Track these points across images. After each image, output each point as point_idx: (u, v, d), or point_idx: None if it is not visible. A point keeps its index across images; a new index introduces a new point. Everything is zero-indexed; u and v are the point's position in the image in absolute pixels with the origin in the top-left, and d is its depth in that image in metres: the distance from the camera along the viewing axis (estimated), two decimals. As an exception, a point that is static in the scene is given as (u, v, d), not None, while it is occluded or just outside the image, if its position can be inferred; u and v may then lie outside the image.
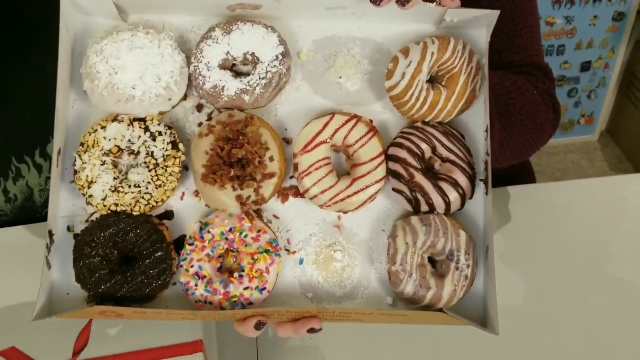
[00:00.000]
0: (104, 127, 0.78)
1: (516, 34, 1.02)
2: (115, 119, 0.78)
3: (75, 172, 0.78)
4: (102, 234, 0.75)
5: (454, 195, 0.79)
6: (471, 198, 0.81)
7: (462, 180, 0.79)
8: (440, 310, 0.78)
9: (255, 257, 0.77)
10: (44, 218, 1.03)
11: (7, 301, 0.96)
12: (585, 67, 2.49)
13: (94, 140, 0.78)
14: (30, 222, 1.07)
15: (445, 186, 0.79)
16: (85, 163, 0.77)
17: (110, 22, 0.83)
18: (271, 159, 0.77)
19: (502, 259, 1.06)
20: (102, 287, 0.74)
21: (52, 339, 0.89)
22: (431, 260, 0.80)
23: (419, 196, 0.79)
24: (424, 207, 0.79)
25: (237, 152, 0.76)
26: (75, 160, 0.78)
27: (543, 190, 1.18)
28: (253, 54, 0.79)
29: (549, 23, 2.33)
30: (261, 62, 0.79)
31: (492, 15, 0.77)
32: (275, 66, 0.78)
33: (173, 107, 0.82)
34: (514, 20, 1.01)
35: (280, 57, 0.79)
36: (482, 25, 0.80)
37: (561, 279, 1.05)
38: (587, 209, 1.12)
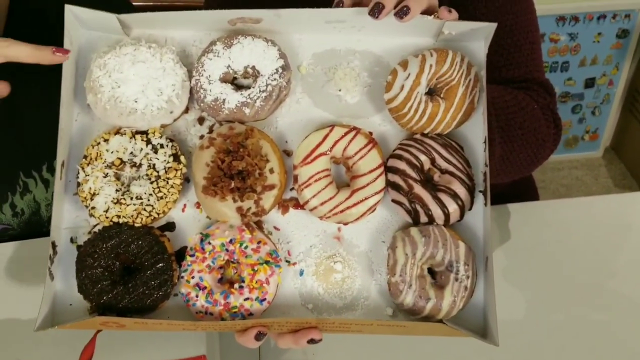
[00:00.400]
0: (106, 140, 0.79)
1: (516, 49, 1.03)
2: (117, 132, 0.80)
3: (78, 184, 0.79)
4: (104, 245, 0.76)
5: (452, 207, 0.79)
6: (470, 209, 0.81)
7: (461, 191, 0.80)
8: (440, 321, 0.78)
9: (255, 268, 0.77)
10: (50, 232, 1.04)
11: (12, 314, 0.97)
12: (590, 83, 2.50)
13: (97, 153, 0.79)
14: (36, 236, 1.08)
15: (444, 197, 0.79)
16: (88, 175, 0.78)
17: (113, 36, 0.84)
18: (271, 171, 0.77)
19: (505, 276, 1.05)
20: (104, 298, 0.75)
21: (57, 353, 0.90)
22: (430, 271, 0.80)
23: (418, 207, 0.79)
24: (423, 218, 0.80)
25: (237, 164, 0.76)
26: (78, 173, 0.79)
27: (546, 208, 1.18)
28: (253, 67, 0.81)
29: (552, 39, 2.34)
30: (261, 75, 0.80)
31: (489, 28, 0.77)
32: (275, 79, 0.79)
33: (174, 120, 0.83)
34: (513, 37, 1.02)
35: (280, 70, 0.80)
36: (480, 38, 0.81)
37: (564, 296, 1.05)
38: (590, 226, 1.11)
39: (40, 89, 1.02)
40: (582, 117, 2.60)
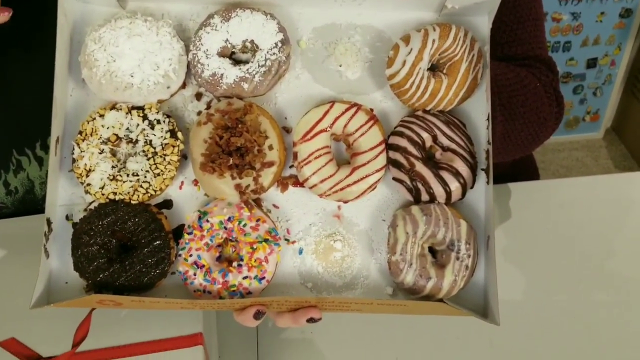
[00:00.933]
0: (102, 115, 0.78)
1: (519, 26, 1.01)
2: (113, 107, 0.78)
3: (74, 161, 0.77)
4: (100, 223, 0.75)
5: (454, 185, 0.78)
6: (472, 187, 0.80)
7: (463, 169, 0.78)
8: (441, 300, 0.77)
9: (254, 246, 0.76)
10: (44, 211, 1.03)
11: (7, 292, 0.96)
12: (591, 63, 2.48)
13: (92, 129, 0.77)
14: (30, 214, 1.06)
15: (446, 175, 0.78)
16: (84, 151, 0.77)
17: (108, 9, 0.82)
18: (270, 147, 0.76)
19: (505, 256, 1.05)
20: (100, 276, 0.74)
21: (52, 330, 0.89)
22: (431, 250, 0.79)
23: (420, 185, 0.78)
24: (425, 197, 0.79)
25: (235, 140, 0.75)
26: (74, 149, 0.77)
27: (546, 187, 1.18)
28: (252, 41, 0.79)
29: (555, 19, 2.31)
30: (260, 49, 0.78)
31: (493, 2, 0.76)
32: (274, 53, 0.78)
33: (171, 95, 0.81)
34: (516, 13, 1.00)
35: (280, 45, 0.78)
36: (483, 12, 0.79)
37: (564, 275, 1.05)
38: (591, 206, 1.11)
39: (34, 65, 1.00)
40: (584, 98, 2.58)
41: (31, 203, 1.08)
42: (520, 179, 1.17)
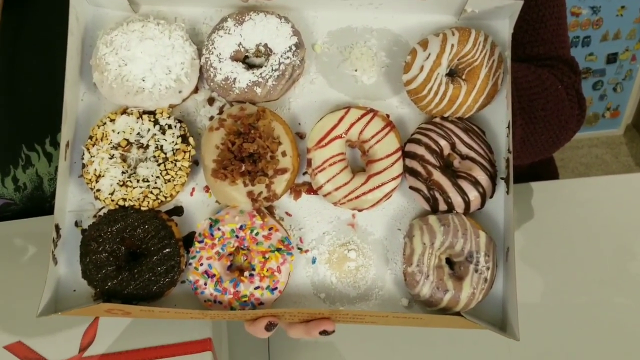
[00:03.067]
0: (112, 120, 0.76)
1: (541, 25, 0.98)
2: (124, 112, 0.77)
3: (83, 166, 0.76)
4: (109, 229, 0.73)
5: (473, 194, 0.76)
6: (491, 197, 0.77)
7: (483, 178, 0.76)
8: (458, 313, 0.74)
9: (267, 256, 0.74)
10: (53, 208, 1.02)
11: (14, 295, 0.95)
12: (612, 58, 2.42)
13: (103, 133, 0.76)
14: (39, 211, 1.06)
15: (465, 184, 0.76)
16: (94, 156, 0.75)
17: (121, 13, 0.81)
18: (283, 154, 0.74)
19: (523, 257, 1.03)
20: (109, 284, 0.72)
21: (59, 334, 0.88)
22: (448, 261, 0.77)
23: (437, 194, 0.76)
24: (442, 206, 0.76)
25: (248, 146, 0.73)
26: (83, 154, 0.76)
27: (566, 187, 1.15)
28: (265, 45, 0.77)
29: (574, 13, 2.27)
30: (274, 53, 0.77)
31: (515, 6, 0.73)
32: (288, 57, 0.76)
33: (183, 100, 0.80)
34: (539, 12, 0.97)
35: (294, 48, 0.76)
36: (504, 16, 0.77)
37: (584, 277, 1.02)
38: (612, 206, 1.08)
39: (45, 60, 0.99)
40: (603, 94, 2.53)
41: (39, 200, 1.07)
42: (539, 178, 1.14)
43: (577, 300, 1.00)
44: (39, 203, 1.07)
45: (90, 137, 0.76)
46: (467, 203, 0.76)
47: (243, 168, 0.73)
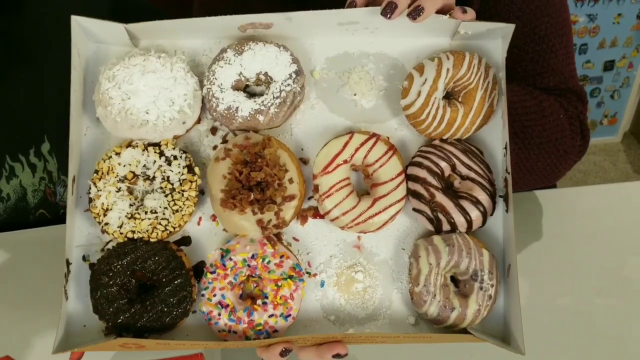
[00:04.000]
0: (118, 153, 0.77)
1: (552, 56, 0.96)
2: (129, 145, 0.77)
3: (90, 200, 0.76)
4: (120, 262, 0.73)
5: (475, 213, 0.78)
6: (492, 215, 0.80)
7: (483, 197, 0.78)
8: (464, 329, 0.76)
9: (279, 284, 0.75)
10: (36, 220, 1.00)
11: (1, 309, 0.93)
12: (609, 66, 2.44)
13: (109, 167, 0.76)
14: (22, 223, 1.04)
15: (467, 204, 0.78)
16: (100, 190, 0.75)
17: (121, 48, 0.82)
18: (290, 181, 0.75)
19: (520, 266, 1.02)
20: (121, 318, 0.72)
21: (48, 348, 0.86)
22: (453, 280, 0.79)
23: (440, 216, 0.77)
24: (446, 227, 0.78)
25: (255, 175, 0.74)
26: (90, 188, 0.76)
27: (564, 195, 1.14)
28: (266, 74, 0.78)
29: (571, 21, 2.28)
30: (274, 81, 0.78)
31: (507, 28, 0.76)
32: (288, 84, 0.77)
33: (187, 131, 0.80)
34: (549, 42, 0.96)
35: (294, 75, 0.78)
36: (497, 36, 0.79)
37: (582, 286, 1.03)
38: (610, 214, 1.09)
39: (32, 72, 0.99)
40: (601, 101, 2.54)
41: (23, 211, 1.05)
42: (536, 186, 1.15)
43: (576, 309, 1.01)
44: (23, 214, 1.05)
45: (96, 171, 0.76)
46: (470, 222, 0.78)
47: (252, 197, 0.74)
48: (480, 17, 0.91)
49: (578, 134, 0.96)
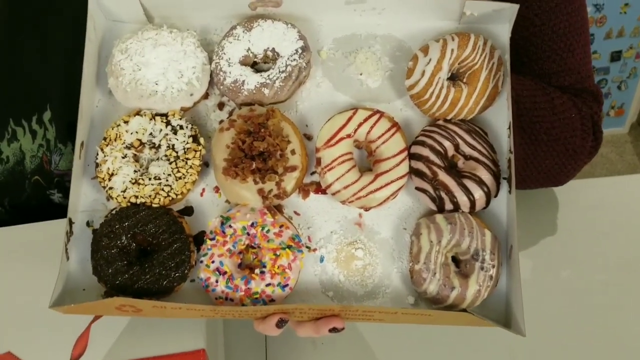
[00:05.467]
0: (126, 122, 0.78)
1: (569, 54, 0.95)
2: (137, 114, 0.79)
3: (97, 165, 0.78)
4: (121, 225, 0.74)
5: (478, 193, 0.77)
6: (496, 196, 0.79)
7: (487, 177, 0.78)
8: (464, 310, 0.75)
9: (277, 253, 0.75)
10: (31, 185, 1.02)
11: (2, 305, 0.94)
12: (615, 56, 2.40)
13: (117, 134, 0.78)
14: (18, 187, 1.06)
15: (470, 184, 0.77)
16: (107, 156, 0.77)
17: (137, 26, 0.84)
18: (293, 152, 0.76)
19: (528, 259, 1.02)
20: (119, 279, 0.73)
21: (50, 344, 0.87)
22: (454, 259, 0.78)
23: (443, 194, 0.77)
24: (448, 206, 0.78)
25: (258, 144, 0.75)
26: (97, 154, 0.78)
27: (571, 188, 1.12)
28: (273, 49, 0.80)
29: None
30: (281, 56, 0.80)
31: (512, 9, 0.77)
32: (294, 59, 0.79)
33: (194, 104, 0.82)
34: (567, 40, 0.94)
35: (300, 51, 0.79)
36: (504, 20, 0.80)
37: (589, 279, 1.01)
38: (617, 207, 1.08)
39: (40, 40, 1.00)
40: (608, 92, 2.50)
41: (20, 175, 1.06)
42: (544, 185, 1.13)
43: (583, 305, 1.00)
44: (19, 178, 1.06)
45: (105, 139, 0.78)
46: (473, 202, 0.77)
47: (254, 166, 0.75)
48: None
49: (590, 135, 0.94)
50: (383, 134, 0.78)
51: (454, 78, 0.81)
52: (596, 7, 2.26)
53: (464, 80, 0.80)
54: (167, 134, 0.77)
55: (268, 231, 0.75)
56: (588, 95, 0.96)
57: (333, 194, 0.78)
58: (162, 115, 0.79)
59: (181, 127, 0.78)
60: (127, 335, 0.88)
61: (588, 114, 0.94)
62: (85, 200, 0.80)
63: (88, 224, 0.80)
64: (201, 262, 0.76)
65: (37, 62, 1.01)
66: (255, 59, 0.82)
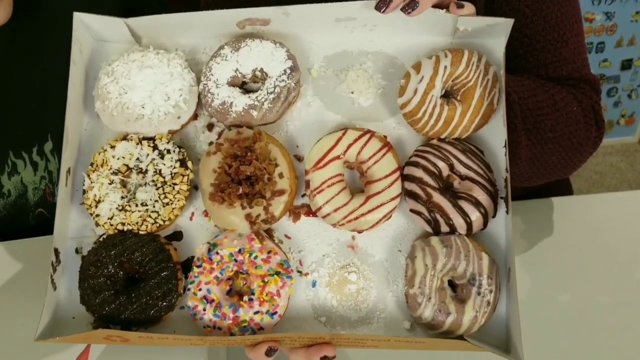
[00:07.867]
0: (113, 147, 0.77)
1: (563, 44, 0.96)
2: (124, 138, 0.78)
3: (84, 192, 0.77)
4: (108, 254, 0.73)
5: (475, 215, 0.75)
6: (494, 216, 0.76)
7: (483, 198, 0.75)
8: (461, 336, 0.73)
9: (266, 280, 0.73)
10: (35, 218, 1.01)
11: (6, 320, 0.94)
12: (626, 65, 2.39)
13: (103, 159, 0.77)
14: (22, 220, 1.06)
15: (466, 205, 0.75)
16: (94, 182, 0.76)
17: (124, 46, 0.83)
18: (280, 176, 0.74)
19: (537, 275, 0.99)
20: (106, 309, 0.72)
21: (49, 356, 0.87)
22: (451, 284, 0.76)
23: (438, 217, 0.75)
24: (444, 228, 0.75)
25: (245, 169, 0.73)
26: (84, 180, 0.77)
27: (580, 202, 1.11)
28: (261, 70, 0.78)
29: (587, 19, 2.24)
30: (269, 77, 0.78)
31: (506, 24, 0.74)
32: (283, 80, 0.77)
33: (182, 126, 0.81)
34: (559, 30, 0.95)
35: (288, 71, 0.77)
36: (499, 35, 0.77)
37: (599, 296, 0.98)
38: (627, 222, 1.05)
39: (40, 71, 1.01)
40: (618, 101, 2.48)
41: (23, 208, 1.07)
42: (551, 192, 1.11)
43: (593, 320, 0.97)
44: (22, 212, 1.07)
45: (92, 164, 0.77)
46: (469, 224, 0.75)
47: (240, 191, 0.73)
48: (490, 6, 0.89)
49: (593, 125, 0.93)
50: (374, 154, 0.76)
51: (447, 95, 0.78)
52: (607, 15, 2.24)
53: (458, 97, 0.77)
54: (154, 159, 0.76)
55: (256, 257, 0.73)
56: (586, 85, 0.96)
57: (323, 217, 0.76)
58: (149, 139, 0.78)
59: (168, 152, 0.76)
60: (128, 352, 0.87)
61: (588, 104, 0.93)
62: (74, 227, 0.80)
63: (77, 250, 0.79)
64: (189, 289, 0.74)
65: (36, 94, 1.01)
66: (244, 79, 0.80)
